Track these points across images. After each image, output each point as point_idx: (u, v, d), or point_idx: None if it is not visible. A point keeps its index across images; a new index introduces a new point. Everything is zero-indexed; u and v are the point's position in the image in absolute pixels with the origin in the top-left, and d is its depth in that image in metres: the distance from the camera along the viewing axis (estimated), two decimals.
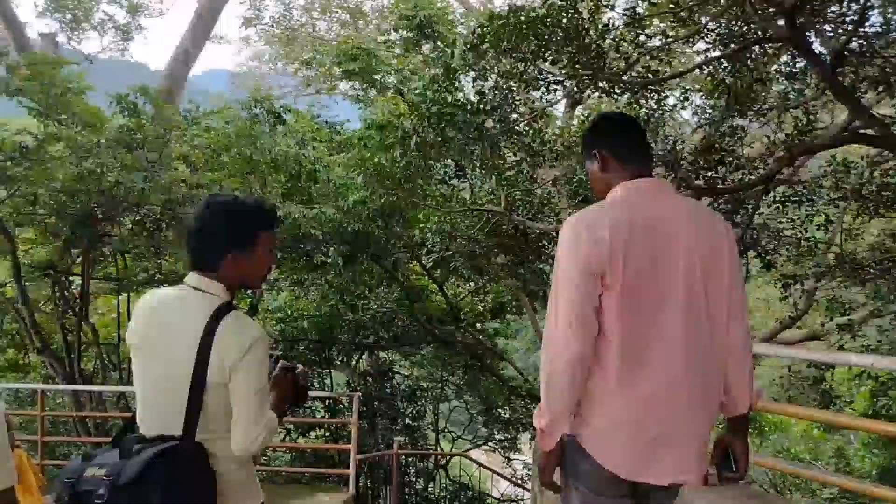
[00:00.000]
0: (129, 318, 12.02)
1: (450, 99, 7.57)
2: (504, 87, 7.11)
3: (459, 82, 7.86)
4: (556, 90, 7.22)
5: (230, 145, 10.32)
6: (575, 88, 7.49)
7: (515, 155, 8.97)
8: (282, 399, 2.48)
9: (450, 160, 10.21)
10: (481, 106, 7.13)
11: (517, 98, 7.68)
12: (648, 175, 2.40)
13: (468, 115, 7.13)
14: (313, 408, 14.11)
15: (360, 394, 8.77)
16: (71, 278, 11.48)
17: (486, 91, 7.19)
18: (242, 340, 2.20)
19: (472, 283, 14.90)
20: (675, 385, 2.18)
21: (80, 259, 10.88)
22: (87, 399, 10.96)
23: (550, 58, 6.39)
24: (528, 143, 7.98)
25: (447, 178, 11.59)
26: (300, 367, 2.61)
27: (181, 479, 2.12)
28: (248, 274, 2.43)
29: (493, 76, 7.08)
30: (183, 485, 2.13)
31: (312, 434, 14.41)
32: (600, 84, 6.55)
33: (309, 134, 12.31)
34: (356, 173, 10.33)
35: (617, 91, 6.76)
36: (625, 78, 6.59)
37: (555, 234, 8.67)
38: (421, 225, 11.29)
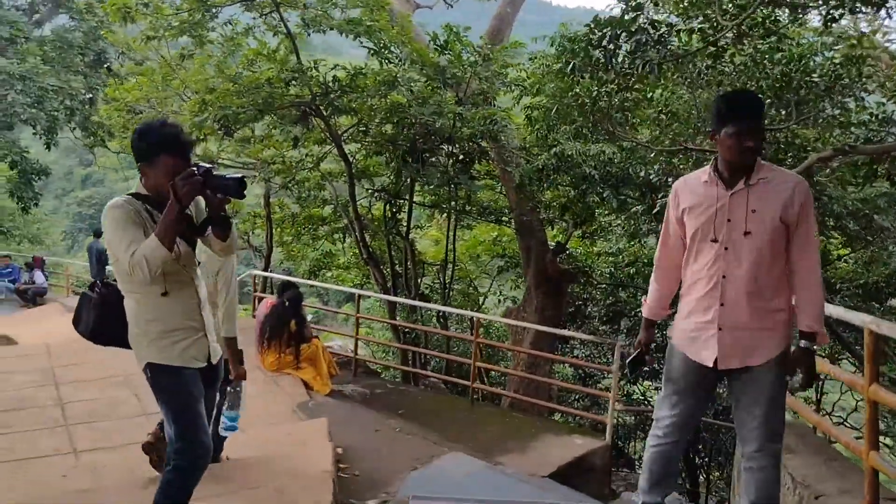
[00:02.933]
0: (448, 242, 13.36)
1: None
2: None
3: None
4: None
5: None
6: None
7: None
8: (169, 213, 2.97)
9: None
10: None
11: None
12: None
13: None
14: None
15: (622, 342, 8.67)
16: (401, 202, 12.97)
17: None
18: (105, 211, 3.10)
19: None
20: None
21: (408, 183, 12.22)
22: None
23: None
24: None
25: None
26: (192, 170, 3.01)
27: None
28: (154, 186, 3.17)
29: None
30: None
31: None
32: None
33: None
34: None
35: None
36: None
37: None
38: None
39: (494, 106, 10.79)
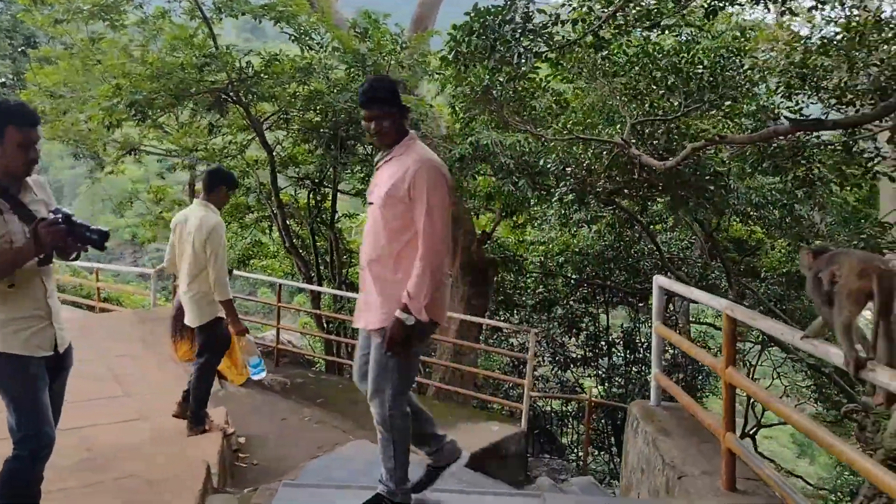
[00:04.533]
0: None
1: None
2: None
3: None
4: None
5: None
6: None
7: None
8: (23, 254, 3.02)
9: None
10: None
11: None
12: None
13: None
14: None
15: (536, 330, 8.81)
16: (326, 190, 12.88)
17: None
18: None
19: None
20: None
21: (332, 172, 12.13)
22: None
23: None
24: None
25: None
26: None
27: None
28: (2, 165, 3.04)
29: None
30: None
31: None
32: None
33: None
34: None
35: None
36: None
37: None
38: None
39: (414, 95, 10.75)
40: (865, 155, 6.61)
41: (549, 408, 15.30)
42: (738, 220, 13.72)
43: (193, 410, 5.63)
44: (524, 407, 9.16)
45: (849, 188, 10.47)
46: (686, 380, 15.26)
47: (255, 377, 5.68)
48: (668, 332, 5.48)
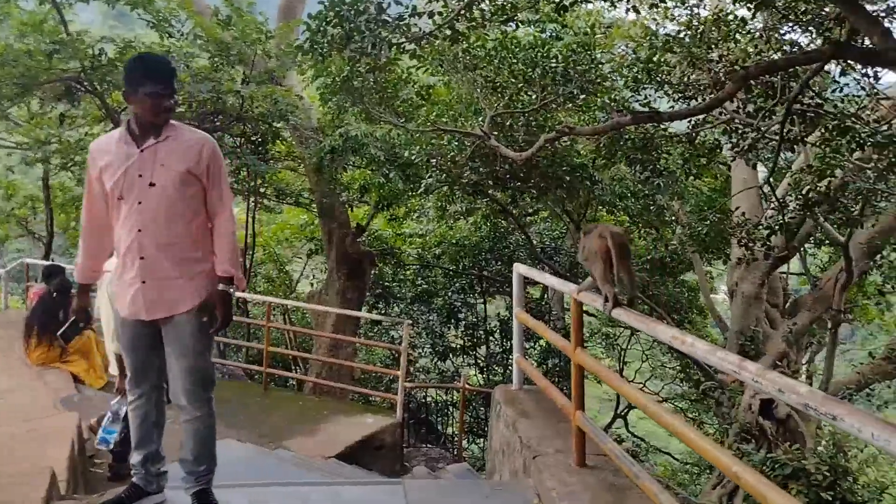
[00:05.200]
0: (248, 226, 12.97)
1: None
2: None
3: None
4: None
5: None
6: None
7: None
8: None
9: None
10: None
11: None
12: None
13: None
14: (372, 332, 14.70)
15: (410, 321, 8.89)
16: None
17: None
18: None
19: None
20: None
21: None
22: None
23: None
24: None
25: None
26: None
27: None
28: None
29: None
30: None
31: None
32: None
33: None
34: None
35: None
36: None
37: None
38: None
39: (283, 86, 10.52)
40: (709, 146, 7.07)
41: (428, 398, 15.46)
42: (603, 210, 14.34)
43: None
44: (399, 398, 9.23)
45: (702, 178, 11.18)
46: (561, 365, 15.84)
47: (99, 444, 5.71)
48: (526, 318, 5.65)
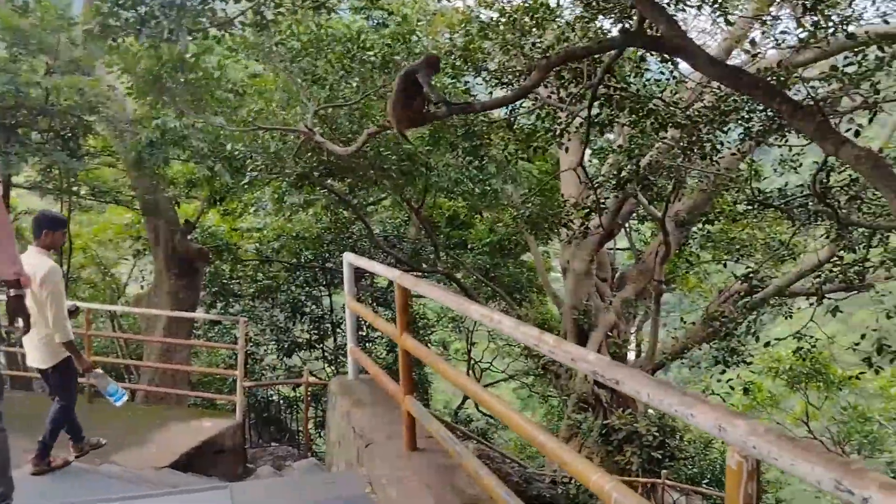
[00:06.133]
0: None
1: None
2: None
3: None
4: None
5: None
6: None
7: None
8: None
9: None
10: None
11: None
12: None
13: None
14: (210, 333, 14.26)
15: (246, 319, 8.58)
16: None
17: None
18: None
19: None
20: None
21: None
22: None
23: None
24: None
25: None
26: None
27: None
28: None
29: None
30: None
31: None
32: None
33: None
34: None
35: None
36: None
37: None
38: None
39: (90, 77, 9.75)
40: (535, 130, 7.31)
41: (276, 395, 15.07)
42: (442, 195, 14.58)
43: (44, 445, 5.70)
44: (238, 399, 8.90)
45: (532, 161, 11.58)
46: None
47: (118, 403, 5.91)
48: (357, 307, 5.61)
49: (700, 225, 12.64)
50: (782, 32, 6.00)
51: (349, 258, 5.65)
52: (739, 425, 1.71)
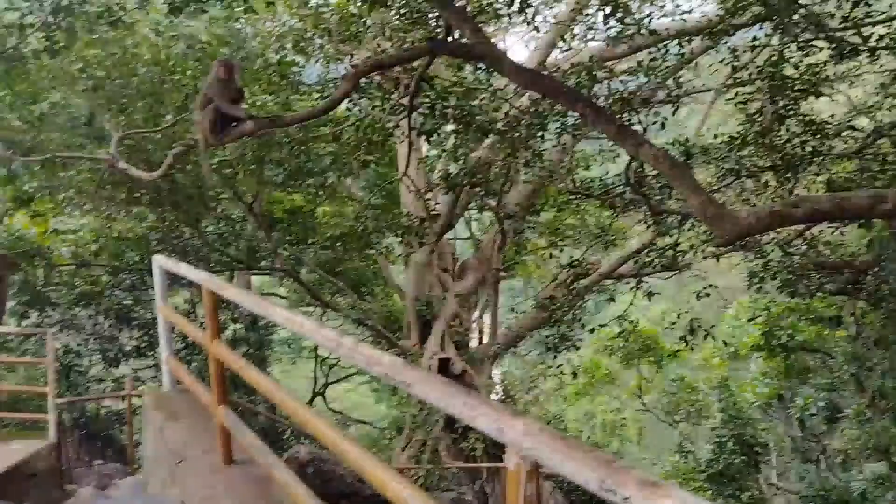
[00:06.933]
0: None
1: None
2: None
3: None
4: None
5: None
6: None
7: None
8: None
9: None
10: None
11: None
12: None
13: None
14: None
15: (53, 331, 7.86)
16: None
17: None
18: None
19: None
20: None
21: None
22: None
23: None
24: None
25: None
26: None
27: None
28: None
29: None
30: None
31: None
32: None
33: None
34: None
35: None
36: None
37: None
38: None
39: None
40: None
41: (103, 410, 14.00)
42: (277, 190, 14.14)
43: None
44: (50, 417, 8.14)
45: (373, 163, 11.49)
46: (251, 352, 15.39)
47: None
48: (169, 312, 5.27)
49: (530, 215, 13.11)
50: (589, 29, 6.29)
51: (159, 261, 5.32)
52: (517, 426, 1.67)
